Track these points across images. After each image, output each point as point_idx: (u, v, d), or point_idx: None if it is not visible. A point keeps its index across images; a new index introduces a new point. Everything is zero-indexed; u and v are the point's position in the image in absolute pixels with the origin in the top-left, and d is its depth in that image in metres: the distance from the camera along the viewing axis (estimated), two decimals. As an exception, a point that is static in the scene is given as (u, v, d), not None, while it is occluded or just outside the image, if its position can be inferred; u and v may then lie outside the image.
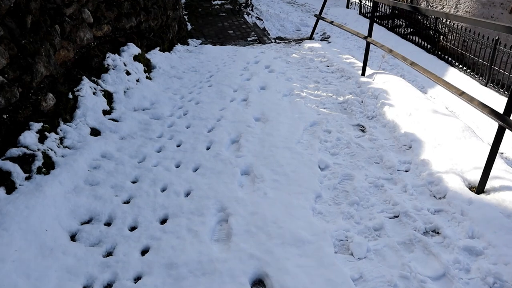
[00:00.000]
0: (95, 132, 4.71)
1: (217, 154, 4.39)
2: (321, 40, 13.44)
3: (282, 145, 4.54)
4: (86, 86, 5.10)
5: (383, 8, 15.85)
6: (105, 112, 5.09)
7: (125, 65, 6.08)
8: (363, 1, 15.49)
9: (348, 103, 5.89)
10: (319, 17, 9.32)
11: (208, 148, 4.60)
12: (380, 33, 13.77)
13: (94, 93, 5.18)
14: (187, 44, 10.03)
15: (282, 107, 5.59)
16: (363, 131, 5.11)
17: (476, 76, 11.17)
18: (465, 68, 11.59)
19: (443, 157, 4.19)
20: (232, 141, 4.78)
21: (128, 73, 5.99)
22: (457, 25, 12.36)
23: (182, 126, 5.08)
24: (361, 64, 7.72)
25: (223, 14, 13.46)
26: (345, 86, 6.54)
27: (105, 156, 4.31)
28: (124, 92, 5.65)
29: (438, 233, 3.30)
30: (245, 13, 13.66)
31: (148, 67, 6.79)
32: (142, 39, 7.33)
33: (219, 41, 11.43)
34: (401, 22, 15.47)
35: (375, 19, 15.52)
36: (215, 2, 13.76)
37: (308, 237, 3.18)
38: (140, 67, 6.39)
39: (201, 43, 10.96)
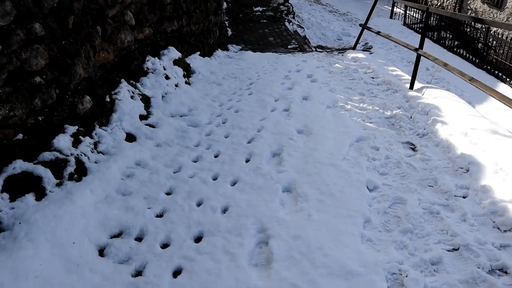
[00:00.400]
0: (130, 137, 4.49)
1: (257, 167, 4.09)
2: (363, 50, 13.01)
3: (327, 161, 4.20)
4: (124, 89, 4.91)
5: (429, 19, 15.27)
6: (142, 117, 4.88)
7: (164, 69, 5.88)
8: (407, 12, 14.96)
9: (396, 118, 5.49)
10: (364, 26, 8.94)
11: (247, 161, 4.30)
12: (426, 45, 13.22)
13: (131, 97, 4.98)
14: (227, 49, 9.82)
15: (326, 120, 5.25)
16: (413, 149, 4.71)
17: (528, 93, 10.50)
18: (516, 84, 10.94)
19: (506, 184, 3.76)
20: (273, 154, 4.47)
21: (167, 77, 5.78)
22: (509, 38, 11.71)
23: (221, 135, 4.81)
24: (408, 77, 7.30)
25: (264, 20, 13.22)
26: (392, 100, 6.15)
27: (140, 164, 4.08)
28: (162, 96, 5.45)
29: (506, 272, 2.89)
30: (286, 20, 13.39)
31: (188, 72, 6.58)
32: (183, 43, 7.14)
33: (259, 47, 11.18)
34: (447, 34, 14.85)
35: (419, 30, 14.98)
36: (256, 9, 13.54)
37: (357, 269, 2.83)
38: (180, 71, 6.18)
39: (241, 49, 10.73)
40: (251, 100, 5.92)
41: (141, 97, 5.12)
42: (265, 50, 10.91)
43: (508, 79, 11.19)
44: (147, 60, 5.76)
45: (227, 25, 12.25)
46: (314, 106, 5.73)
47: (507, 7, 14.62)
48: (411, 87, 6.58)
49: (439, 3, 17.16)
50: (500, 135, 4.68)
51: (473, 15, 16.17)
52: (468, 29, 14.69)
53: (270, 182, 3.86)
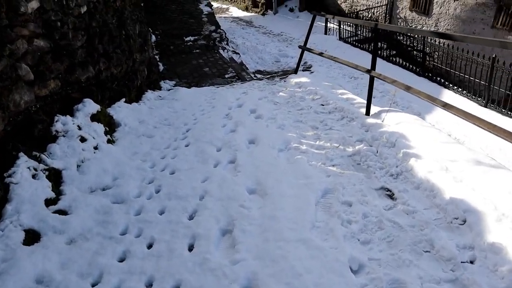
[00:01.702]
0: (32, 236, 3.28)
1: (204, 259, 3.00)
2: (303, 70, 12.29)
3: (293, 235, 3.18)
4: (22, 167, 3.70)
5: (363, 32, 14.89)
6: (50, 202, 3.68)
7: (79, 128, 4.70)
8: (341, 26, 14.48)
9: (361, 155, 4.60)
10: (304, 48, 8.13)
11: (190, 248, 3.20)
12: (364, 58, 12.69)
13: (34, 176, 3.77)
14: (159, 88, 8.71)
15: (281, 170, 4.27)
16: (391, 197, 3.80)
17: (474, 97, 10.10)
18: (460, 89, 10.54)
19: (519, 238, 2.92)
20: (222, 232, 3.40)
21: (83, 139, 4.61)
22: (443, 43, 11.36)
23: (154, 212, 3.68)
24: (361, 100, 6.51)
25: (197, 50, 12.23)
26: (350, 131, 5.27)
27: (42, 281, 2.88)
28: (78, 166, 4.26)
29: None
30: (220, 48, 12.47)
31: (111, 126, 5.41)
32: (103, 91, 5.96)
33: (194, 80, 10.15)
34: (382, 44, 14.48)
35: (354, 43, 14.53)
36: (188, 39, 12.54)
37: None
38: (100, 128, 5.01)
39: (175, 85, 9.66)
40: (189, 153, 4.84)
41: (48, 173, 3.91)
42: (201, 82, 9.91)
43: (451, 85, 10.78)
44: (56, 121, 4.56)
45: (158, 59, 11.15)
46: (264, 152, 4.73)
47: (434, 14, 14.50)
48: (367, 113, 5.75)
49: (369, 15, 16.91)
50: (485, 166, 3.88)
51: (404, 24, 16.00)
52: (402, 38, 14.40)
53: (223, 282, 2.78)
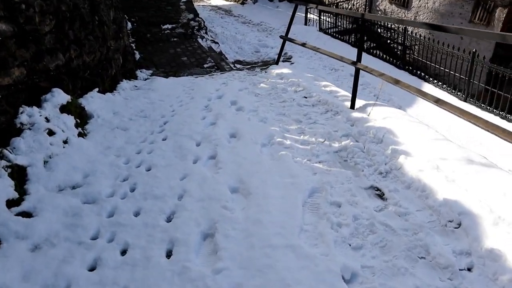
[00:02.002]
0: (-9, 242, 2.95)
1: (183, 268, 2.72)
2: (283, 61, 12.02)
3: (280, 241, 2.93)
4: (-19, 164, 3.34)
5: (343, 23, 14.69)
6: (12, 203, 3.32)
7: (47, 120, 4.33)
8: (322, 17, 14.23)
9: (347, 151, 4.38)
10: (286, 38, 7.84)
11: (169, 255, 2.91)
12: (345, 50, 12.49)
13: (-5, 174, 3.42)
14: (135, 77, 8.30)
15: (266, 168, 4.00)
16: (382, 197, 3.59)
17: (453, 91, 10.03)
18: (440, 83, 10.46)
19: (518, 243, 2.74)
20: (203, 236, 3.12)
21: (51, 132, 4.24)
22: (424, 37, 11.26)
23: (129, 214, 3.37)
24: (345, 93, 6.29)
25: (175, 39, 11.79)
26: (335, 125, 5.04)
27: (0, 296, 2.55)
28: (45, 162, 3.91)
29: None
30: (198, 36, 12.06)
31: (82, 118, 5.03)
32: (75, 80, 5.56)
33: (172, 70, 9.76)
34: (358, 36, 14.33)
35: (335, 34, 14.32)
36: (165, 27, 12.08)
37: None
38: (70, 120, 4.64)
39: (152, 74, 9.26)
40: (167, 148, 4.52)
41: (10, 170, 3.55)
42: (179, 72, 9.53)
43: (431, 79, 10.69)
44: (21, 112, 4.18)
45: (134, 48, 10.69)
46: (246, 147, 4.46)
47: (413, 7, 14.41)
48: (352, 107, 5.53)
49: (349, 6, 16.71)
50: (478, 165, 3.70)
51: (383, 16, 15.86)
52: (382, 30, 14.26)
53: (205, 294, 2.52)
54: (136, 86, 7.06)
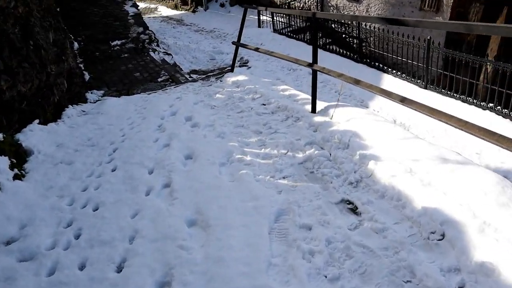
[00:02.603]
0: None
1: (135, 333, 2.27)
2: (239, 66, 11.61)
3: (246, 282, 2.50)
4: None
5: (297, 22, 14.41)
6: None
7: (-25, 166, 3.77)
8: (275, 18, 13.91)
9: (313, 161, 4.00)
10: (238, 44, 7.44)
11: (118, 317, 2.46)
12: (301, 49, 12.20)
13: None
14: (84, 100, 7.71)
15: (225, 192, 3.56)
16: (355, 212, 3.21)
17: (413, 79, 9.87)
18: (399, 73, 10.28)
19: (506, 250, 2.42)
20: (159, 285, 2.66)
21: (-21, 179, 3.69)
22: (378, 28, 11.09)
23: (72, 268, 2.86)
24: (304, 96, 5.93)
25: (126, 55, 11.19)
26: (297, 133, 4.66)
27: None
28: (-28, 216, 3.36)
29: None
30: (150, 50, 11.50)
31: (20, 157, 4.47)
32: (10, 114, 4.99)
33: (125, 88, 9.20)
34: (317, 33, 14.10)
35: (289, 34, 14.03)
36: (114, 43, 11.47)
37: None
38: (3, 162, 4.07)
39: (104, 94, 8.68)
40: (116, 180, 4.02)
41: None
42: (133, 89, 8.98)
43: (389, 69, 10.51)
44: None
45: (83, 68, 10.05)
46: (203, 169, 4.01)
47: (364, 0, 14.27)
48: (314, 110, 5.17)
49: (301, 5, 16.48)
50: (452, 163, 3.39)
51: (335, 11, 15.69)
52: (335, 25, 14.06)
53: None
54: (83, 111, 6.50)
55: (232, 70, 7.93)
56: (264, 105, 5.87)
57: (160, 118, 5.79)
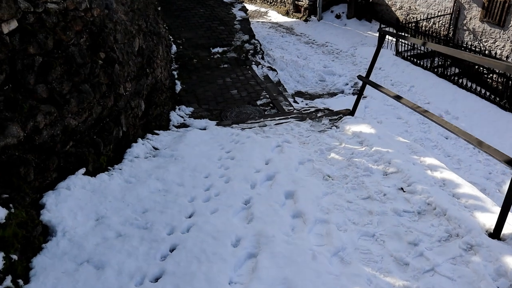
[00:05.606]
0: None
1: None
2: (352, 94, 9.40)
3: None
4: None
5: (421, 46, 11.78)
6: None
7: None
8: (400, 40, 11.43)
9: None
10: (367, 81, 5.27)
11: None
12: (429, 82, 9.66)
13: None
14: (167, 124, 6.08)
15: None
16: None
17: None
18: None
19: None
20: None
21: None
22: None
23: None
24: (467, 185, 3.64)
25: (225, 65, 9.51)
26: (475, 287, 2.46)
27: None
28: None
29: None
30: (253, 62, 9.70)
31: (29, 246, 2.76)
32: (46, 160, 3.36)
33: (218, 108, 7.49)
34: (442, 60, 11.38)
35: (414, 59, 11.48)
36: (215, 50, 9.85)
37: None
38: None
39: (192, 114, 7.04)
40: None
41: None
42: (226, 111, 7.25)
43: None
44: None
45: (176, 77, 8.52)
46: None
47: (511, 26, 11.25)
48: (498, 234, 2.91)
49: (429, 24, 13.71)
50: None
51: (471, 36, 12.75)
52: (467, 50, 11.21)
53: None
54: (154, 150, 4.78)
55: (352, 114, 5.78)
56: (403, 191, 3.70)
57: (249, 184, 3.88)
